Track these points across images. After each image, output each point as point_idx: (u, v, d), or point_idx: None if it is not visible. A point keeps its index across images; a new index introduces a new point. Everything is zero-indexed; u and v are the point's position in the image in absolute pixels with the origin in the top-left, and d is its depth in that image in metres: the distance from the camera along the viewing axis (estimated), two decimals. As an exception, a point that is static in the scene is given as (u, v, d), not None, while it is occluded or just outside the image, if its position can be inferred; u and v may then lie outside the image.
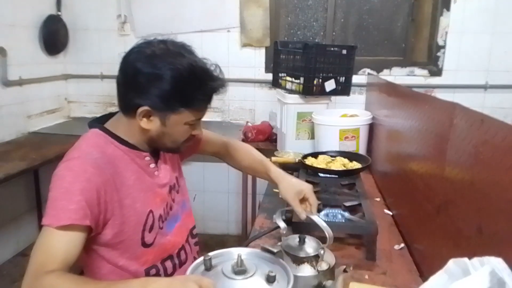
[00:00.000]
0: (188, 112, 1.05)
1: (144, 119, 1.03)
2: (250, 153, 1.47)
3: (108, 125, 1.11)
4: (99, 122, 1.12)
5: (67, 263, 0.89)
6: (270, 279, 0.86)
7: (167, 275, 1.16)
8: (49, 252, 0.89)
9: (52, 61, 3.29)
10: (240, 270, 0.88)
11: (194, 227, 1.33)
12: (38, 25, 3.08)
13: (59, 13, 3.25)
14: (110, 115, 1.17)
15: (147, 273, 1.12)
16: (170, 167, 1.23)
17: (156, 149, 1.16)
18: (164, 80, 0.98)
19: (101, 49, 3.38)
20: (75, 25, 3.37)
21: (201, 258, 0.92)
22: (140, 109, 1.01)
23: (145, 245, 1.11)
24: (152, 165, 1.15)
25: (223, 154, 1.54)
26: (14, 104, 2.89)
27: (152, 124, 1.04)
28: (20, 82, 2.92)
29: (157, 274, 1.14)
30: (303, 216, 1.16)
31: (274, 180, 1.31)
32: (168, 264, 1.18)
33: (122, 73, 1.05)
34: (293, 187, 1.22)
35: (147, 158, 1.13)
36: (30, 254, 0.90)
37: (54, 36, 3.20)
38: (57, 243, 0.89)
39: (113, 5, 3.28)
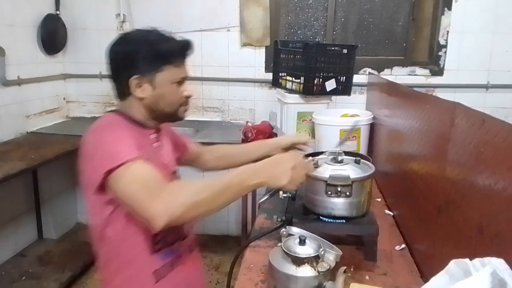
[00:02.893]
0: (169, 69, 1.18)
1: (138, 90, 1.17)
2: (243, 146, 1.66)
3: (121, 109, 1.23)
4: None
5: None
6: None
7: (168, 244, 1.21)
8: (148, 178, 0.99)
9: (51, 60, 3.28)
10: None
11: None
12: (37, 25, 3.07)
13: (58, 12, 3.24)
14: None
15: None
16: (170, 155, 1.33)
17: (158, 128, 1.28)
18: (140, 48, 1.15)
19: (100, 49, 3.35)
20: (74, 24, 3.36)
21: None
22: (131, 80, 1.14)
23: None
24: (156, 144, 1.26)
25: (218, 157, 1.62)
26: (13, 104, 2.89)
27: (145, 91, 1.17)
28: (19, 82, 2.92)
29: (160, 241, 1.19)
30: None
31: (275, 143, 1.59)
32: (170, 234, 1.22)
33: (109, 63, 1.20)
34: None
35: (152, 136, 1.25)
36: (130, 196, 0.98)
37: (53, 36, 3.20)
38: (144, 170, 1.01)
39: (112, 4, 3.28)
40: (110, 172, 1.00)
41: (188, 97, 1.24)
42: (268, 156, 1.17)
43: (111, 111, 1.25)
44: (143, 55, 1.14)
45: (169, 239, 1.21)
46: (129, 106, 1.21)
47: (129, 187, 0.98)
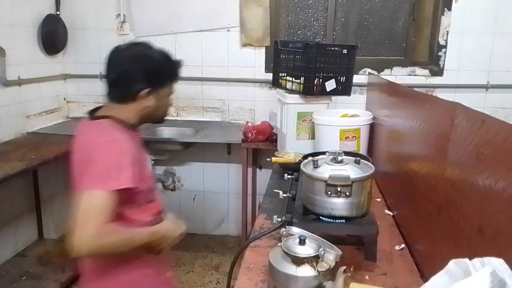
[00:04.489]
0: (170, 85, 1.41)
1: (145, 100, 1.33)
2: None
3: (111, 114, 1.34)
4: (92, 113, 1.39)
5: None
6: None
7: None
8: (101, 209, 1.14)
9: (51, 61, 3.28)
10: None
11: None
12: (37, 25, 3.08)
13: (58, 12, 3.24)
14: (97, 108, 1.41)
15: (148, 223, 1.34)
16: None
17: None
18: (157, 67, 1.33)
19: (100, 49, 3.38)
20: (74, 24, 3.36)
21: None
22: (143, 92, 1.31)
23: (148, 201, 1.38)
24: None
25: None
26: (13, 104, 2.89)
27: (151, 101, 1.35)
28: (19, 82, 2.92)
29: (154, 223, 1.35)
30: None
31: None
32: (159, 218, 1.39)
33: (121, 74, 1.32)
34: None
35: (138, 136, 1.40)
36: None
37: (53, 36, 3.20)
38: (108, 200, 1.15)
39: (112, 4, 3.28)
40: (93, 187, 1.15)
41: (171, 105, 1.48)
42: None
43: (104, 116, 1.33)
44: (157, 73, 1.33)
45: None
46: (126, 110, 1.34)
47: (84, 206, 1.14)
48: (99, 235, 1.12)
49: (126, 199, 1.22)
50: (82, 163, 1.22)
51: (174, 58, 1.39)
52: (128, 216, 1.28)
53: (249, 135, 2.86)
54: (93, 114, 1.38)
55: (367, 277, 1.21)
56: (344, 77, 2.39)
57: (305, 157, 1.94)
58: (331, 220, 1.29)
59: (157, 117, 1.43)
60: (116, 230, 1.17)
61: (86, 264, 1.38)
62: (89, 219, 1.12)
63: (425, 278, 1.18)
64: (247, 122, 3.21)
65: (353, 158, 1.36)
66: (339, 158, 1.32)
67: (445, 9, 2.97)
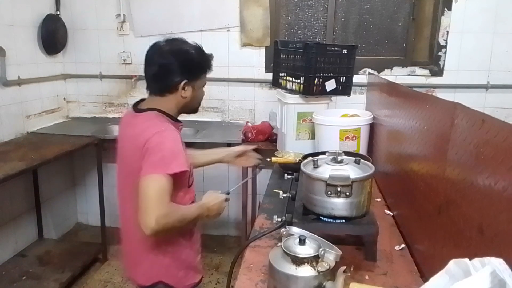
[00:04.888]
0: (204, 77, 1.53)
1: (183, 90, 1.46)
2: (204, 150, 1.93)
3: (155, 106, 1.47)
4: (136, 105, 1.52)
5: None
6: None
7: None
8: (164, 192, 1.30)
9: (51, 60, 3.28)
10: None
11: None
12: (37, 25, 3.08)
13: (58, 12, 3.25)
14: (141, 101, 1.54)
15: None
16: None
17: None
18: (193, 60, 1.47)
19: (100, 49, 3.38)
20: (74, 24, 3.36)
21: None
22: (182, 84, 1.44)
23: (189, 185, 1.53)
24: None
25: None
26: (13, 104, 2.89)
27: (188, 92, 1.47)
28: (19, 82, 2.92)
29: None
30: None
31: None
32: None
33: (161, 68, 1.44)
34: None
35: (180, 127, 1.54)
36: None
37: (53, 36, 3.20)
38: (168, 185, 1.31)
39: (112, 4, 3.28)
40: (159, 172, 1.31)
41: (204, 95, 1.61)
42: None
43: (150, 109, 1.46)
44: (193, 66, 1.48)
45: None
46: (167, 102, 1.47)
47: (150, 191, 1.29)
48: (169, 213, 1.30)
49: (176, 183, 1.37)
50: (137, 153, 1.35)
51: (206, 52, 1.52)
52: (176, 199, 1.41)
53: (249, 135, 2.86)
54: (137, 106, 1.51)
55: (367, 277, 1.22)
56: (344, 77, 2.39)
57: (305, 157, 1.94)
58: (331, 220, 1.29)
59: (193, 107, 1.56)
60: (177, 208, 1.37)
61: (132, 246, 1.53)
62: (158, 200, 1.28)
63: (425, 278, 1.18)
64: (247, 122, 3.21)
65: (353, 158, 1.36)
66: (339, 158, 1.32)
67: (445, 9, 2.97)
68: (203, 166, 1.88)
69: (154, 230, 1.27)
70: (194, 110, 1.60)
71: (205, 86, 1.59)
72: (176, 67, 1.43)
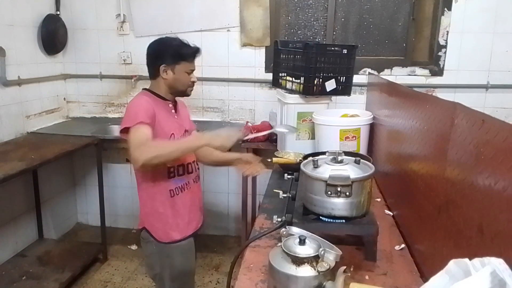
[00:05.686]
0: (184, 64, 1.79)
1: (164, 73, 1.78)
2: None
3: (149, 88, 1.86)
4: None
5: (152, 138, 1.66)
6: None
7: (179, 175, 1.83)
8: (142, 134, 1.61)
9: (51, 60, 3.29)
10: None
11: (197, 164, 1.97)
12: (37, 25, 3.08)
13: (58, 12, 3.25)
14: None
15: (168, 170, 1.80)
16: (183, 118, 1.94)
17: (174, 100, 1.89)
18: (169, 48, 1.78)
19: (100, 49, 3.38)
20: (74, 24, 3.36)
21: None
22: (161, 67, 1.77)
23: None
24: (173, 111, 1.87)
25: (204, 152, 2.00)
26: (13, 104, 2.89)
27: (168, 75, 1.78)
28: (19, 82, 2.92)
29: (173, 172, 1.82)
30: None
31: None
32: (180, 169, 1.84)
33: (148, 56, 1.82)
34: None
35: (170, 105, 1.85)
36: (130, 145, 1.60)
37: (53, 36, 3.20)
38: (143, 130, 1.63)
39: (112, 4, 3.28)
40: (129, 126, 1.64)
41: (193, 82, 1.85)
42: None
43: (144, 89, 1.85)
44: (170, 53, 1.77)
45: (179, 172, 1.83)
46: (156, 84, 1.82)
47: (131, 138, 1.61)
48: (147, 144, 1.58)
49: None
50: (125, 113, 1.75)
51: (188, 43, 1.80)
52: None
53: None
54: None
55: (367, 277, 1.21)
56: (344, 77, 2.39)
57: (305, 157, 1.94)
58: (331, 220, 1.29)
59: (178, 89, 1.83)
60: (159, 141, 1.67)
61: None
62: (136, 139, 1.59)
63: (425, 278, 1.18)
64: (247, 122, 3.21)
65: (353, 158, 1.36)
66: (339, 158, 1.32)
67: (445, 9, 2.97)
68: (217, 164, 2.13)
69: (140, 161, 1.55)
70: (182, 93, 1.86)
71: (194, 74, 1.84)
72: (157, 53, 1.79)
